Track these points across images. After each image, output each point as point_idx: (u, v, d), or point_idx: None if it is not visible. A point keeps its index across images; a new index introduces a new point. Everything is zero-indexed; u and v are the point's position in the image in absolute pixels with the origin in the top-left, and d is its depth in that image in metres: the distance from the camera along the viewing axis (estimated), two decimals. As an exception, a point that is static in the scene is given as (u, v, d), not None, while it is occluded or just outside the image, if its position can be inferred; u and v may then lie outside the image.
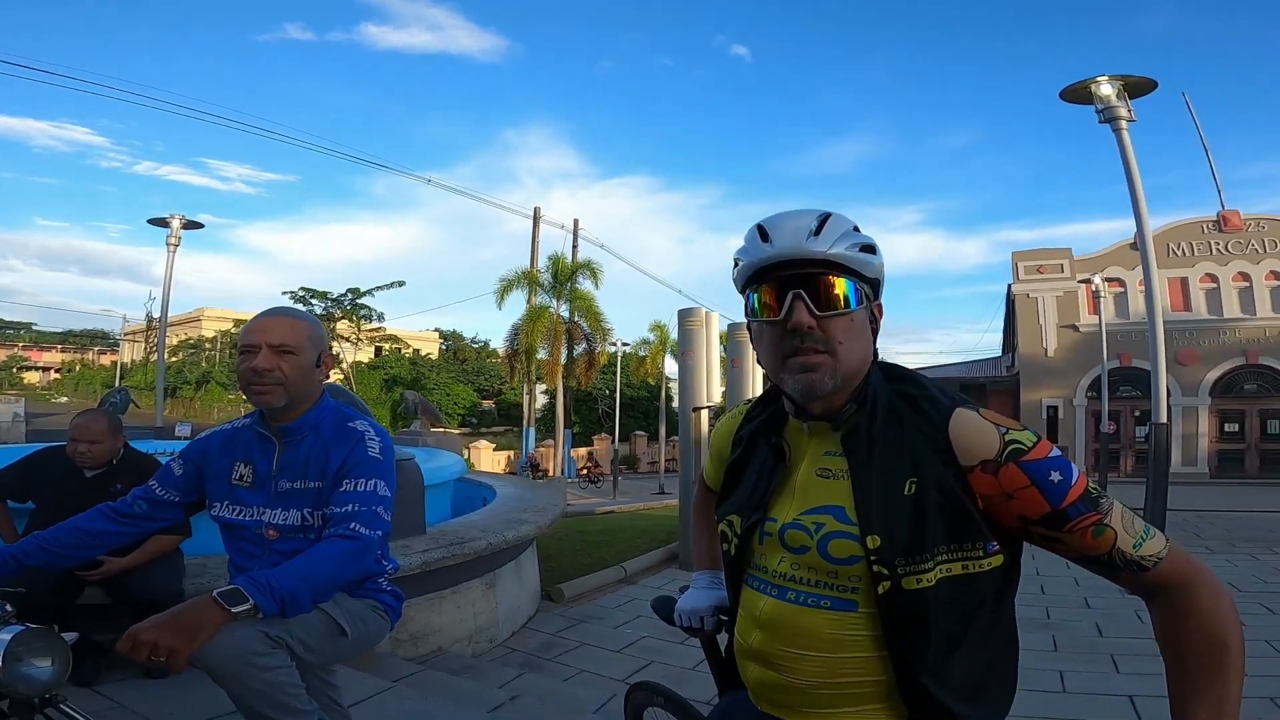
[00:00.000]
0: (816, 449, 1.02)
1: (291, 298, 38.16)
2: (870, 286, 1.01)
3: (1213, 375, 22.58)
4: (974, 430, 0.92)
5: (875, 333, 1.03)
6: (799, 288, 0.96)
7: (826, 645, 0.94)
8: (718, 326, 7.43)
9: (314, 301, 37.30)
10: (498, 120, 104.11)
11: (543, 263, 23.21)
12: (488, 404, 43.91)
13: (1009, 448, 0.90)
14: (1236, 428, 22.80)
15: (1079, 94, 6.07)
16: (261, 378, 1.60)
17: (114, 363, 47.74)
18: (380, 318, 38.81)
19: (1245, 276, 22.48)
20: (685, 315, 7.02)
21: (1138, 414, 22.79)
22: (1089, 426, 22.72)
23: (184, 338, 44.04)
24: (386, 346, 41.25)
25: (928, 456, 0.93)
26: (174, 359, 40.90)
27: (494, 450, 27.66)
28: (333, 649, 1.62)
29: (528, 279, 22.16)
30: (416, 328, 47.92)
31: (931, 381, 1.01)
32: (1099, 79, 5.98)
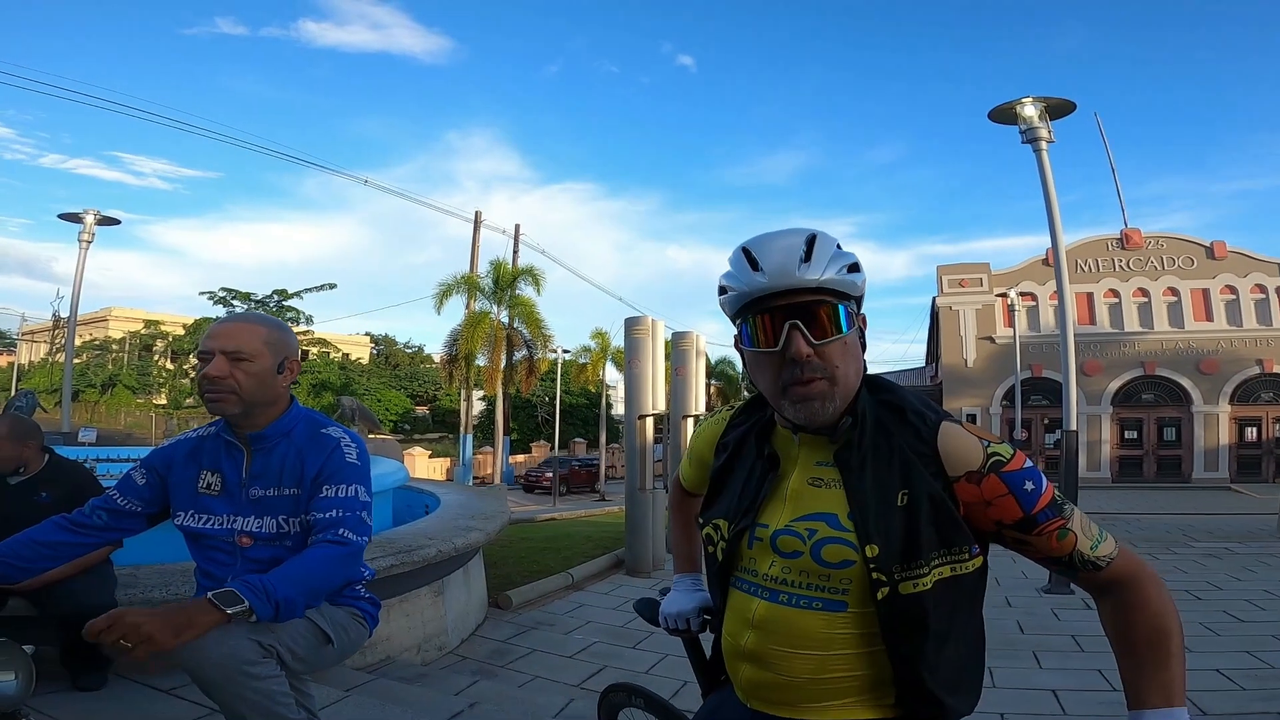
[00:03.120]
0: (808, 458, 1.05)
1: (210, 299, 36.41)
2: (856, 303, 1.03)
3: (1114, 385, 24.27)
4: (961, 444, 0.98)
5: (864, 346, 1.06)
6: (794, 317, 0.97)
7: (818, 644, 0.98)
8: (663, 335, 7.53)
9: (235, 303, 35.69)
10: (439, 122, 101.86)
11: (483, 268, 22.90)
12: (422, 410, 42.87)
13: (991, 459, 0.97)
14: (1135, 434, 24.56)
15: (1005, 114, 6.38)
16: (215, 385, 1.57)
17: (11, 364, 44.18)
18: (309, 321, 37.47)
19: (1144, 292, 24.28)
20: (632, 324, 7.08)
21: (1047, 421, 24.26)
22: (1003, 434, 24.00)
23: (89, 338, 41.18)
24: (314, 350, 39.75)
25: (918, 469, 0.98)
26: (78, 360, 38.20)
27: (430, 457, 27.03)
28: (317, 657, 1.60)
29: (468, 284, 21.78)
30: (346, 331, 46.35)
31: (913, 393, 1.06)
32: (1024, 100, 6.27)
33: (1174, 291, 24.10)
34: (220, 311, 34.31)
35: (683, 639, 1.42)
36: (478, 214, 23.76)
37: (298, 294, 36.99)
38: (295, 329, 35.79)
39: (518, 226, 24.75)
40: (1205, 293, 23.86)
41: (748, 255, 1.00)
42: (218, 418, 1.68)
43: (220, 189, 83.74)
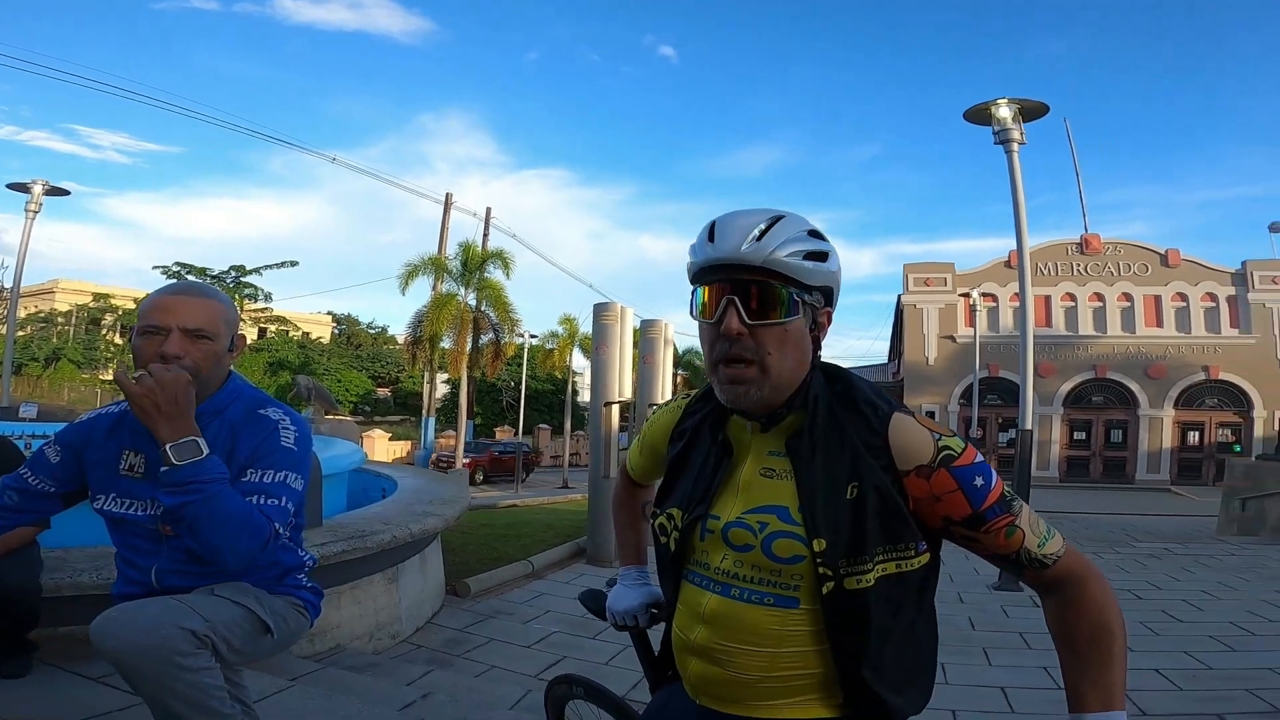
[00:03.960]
0: (760, 448, 1.03)
1: (164, 273, 35.18)
2: (820, 294, 1.00)
3: (1066, 387, 25.03)
4: (912, 436, 0.96)
5: (818, 340, 1.03)
6: (735, 293, 0.95)
7: (770, 640, 0.96)
8: (631, 322, 7.46)
9: (191, 278, 34.57)
10: (414, 103, 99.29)
11: (451, 250, 22.51)
12: (384, 392, 42.21)
13: (941, 453, 0.95)
14: (1084, 436, 25.41)
15: (980, 115, 6.45)
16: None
17: (-55, 334, 42.11)
18: (268, 298, 36.51)
19: (1100, 297, 25.05)
20: (601, 310, 7.00)
21: (1001, 420, 24.93)
22: (960, 431, 24.59)
23: (34, 310, 39.46)
24: (272, 328, 38.72)
25: (867, 460, 0.95)
26: (21, 333, 36.61)
27: (390, 439, 26.63)
28: (255, 648, 1.51)
29: (435, 265, 21.39)
30: (308, 310, 45.24)
31: (867, 383, 1.04)
32: (999, 101, 6.34)
33: (1128, 297, 24.90)
34: (174, 286, 33.09)
35: (630, 634, 1.37)
36: (448, 196, 23.38)
37: (256, 270, 35.98)
38: (253, 306, 35.35)
39: (489, 210, 24.46)
40: (1157, 299, 24.72)
41: (711, 226, 0.99)
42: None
43: (182, 164, 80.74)
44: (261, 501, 1.40)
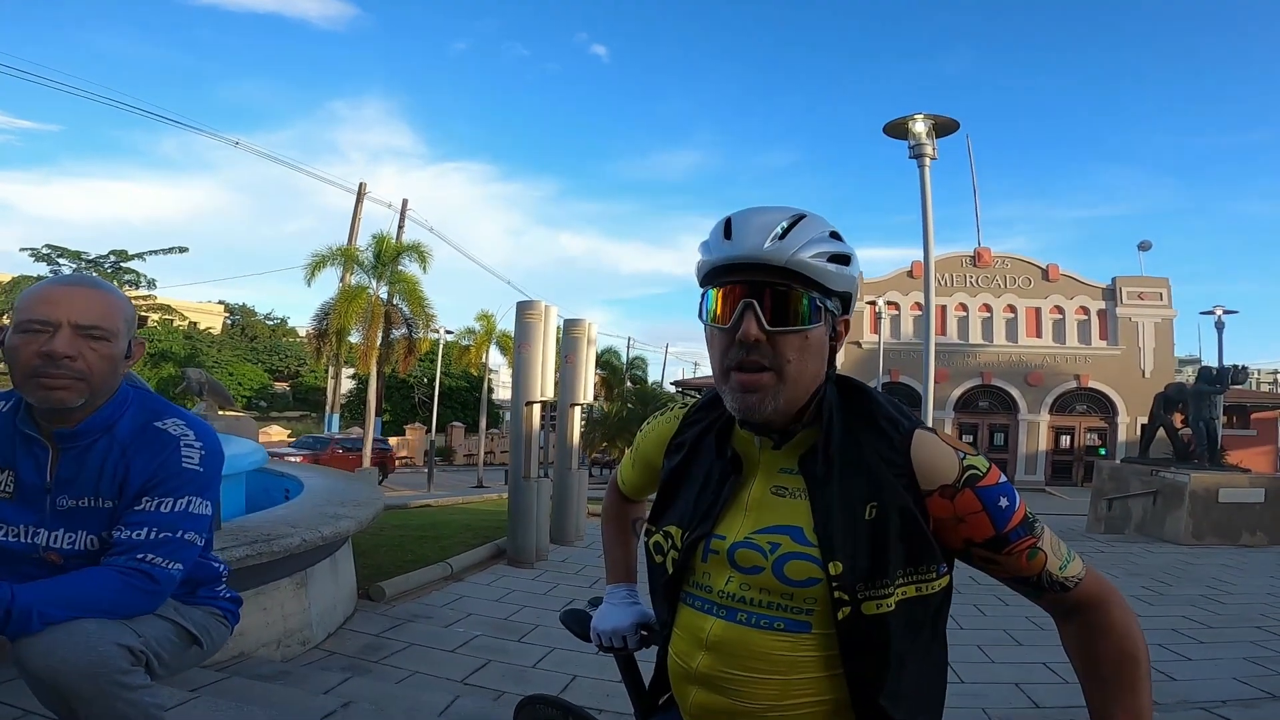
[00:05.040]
0: (771, 465, 0.97)
1: (33, 255, 31.97)
2: (839, 300, 0.94)
3: (957, 392, 26.75)
4: (936, 455, 0.91)
5: (836, 350, 0.97)
6: (754, 296, 0.89)
7: (780, 667, 0.91)
8: (555, 321, 7.39)
9: (63, 261, 31.57)
10: (327, 90, 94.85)
11: (363, 241, 21.60)
12: (282, 386, 39.98)
13: (967, 473, 0.90)
14: (971, 439, 27.18)
15: (897, 129, 6.71)
16: (58, 367, 1.23)
17: None
18: (151, 285, 33.81)
19: (988, 307, 26.91)
20: (525, 308, 6.89)
21: (901, 424, 26.41)
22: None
23: None
24: (154, 317, 35.86)
25: (888, 479, 0.91)
26: None
27: (289, 436, 25.30)
28: (183, 662, 1.40)
29: (345, 256, 20.44)
30: (199, 299, 42.19)
31: (885, 397, 0.99)
32: (915, 116, 6.59)
33: (1012, 309, 26.89)
34: (43, 270, 30.19)
35: (616, 657, 1.27)
36: (361, 185, 22.49)
37: (139, 255, 33.24)
38: (134, 293, 32.67)
39: (405, 201, 23.72)
40: (1037, 311, 26.82)
41: (726, 223, 0.92)
42: (9, 390, 1.34)
43: (58, 142, 74.08)
44: (151, 536, 1.26)
